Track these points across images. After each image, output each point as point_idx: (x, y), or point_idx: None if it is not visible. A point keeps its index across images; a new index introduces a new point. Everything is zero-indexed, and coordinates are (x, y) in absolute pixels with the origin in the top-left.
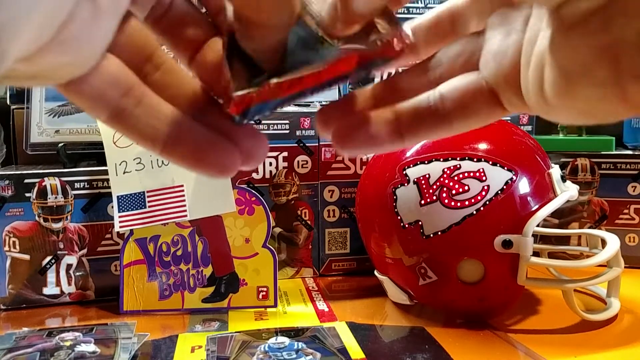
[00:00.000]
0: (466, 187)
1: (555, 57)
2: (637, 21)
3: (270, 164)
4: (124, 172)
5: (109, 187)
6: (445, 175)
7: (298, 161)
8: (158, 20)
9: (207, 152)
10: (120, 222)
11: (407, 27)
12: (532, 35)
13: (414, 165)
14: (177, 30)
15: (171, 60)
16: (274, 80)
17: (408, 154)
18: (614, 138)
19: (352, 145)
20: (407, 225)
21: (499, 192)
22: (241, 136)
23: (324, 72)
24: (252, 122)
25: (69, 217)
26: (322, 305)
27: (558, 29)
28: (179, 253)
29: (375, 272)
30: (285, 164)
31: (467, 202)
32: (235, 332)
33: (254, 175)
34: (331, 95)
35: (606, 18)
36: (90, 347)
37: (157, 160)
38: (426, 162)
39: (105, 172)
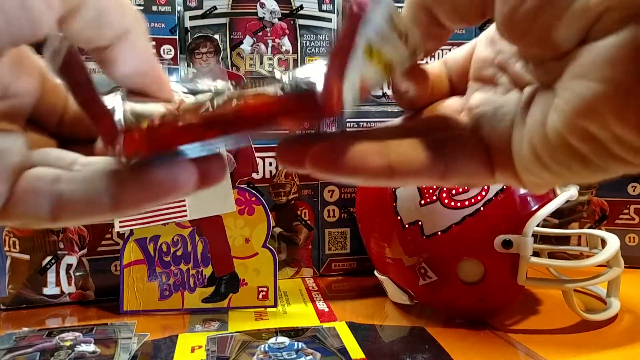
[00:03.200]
0: (466, 187)
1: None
2: None
3: (270, 164)
4: None
5: None
6: None
7: None
8: (58, 126)
9: (155, 174)
10: (120, 222)
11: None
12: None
13: None
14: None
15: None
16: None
17: None
18: None
19: (335, 169)
20: (407, 225)
21: (499, 192)
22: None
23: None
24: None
25: None
26: (322, 305)
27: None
28: (179, 253)
29: (375, 272)
30: None
31: (467, 202)
32: (235, 332)
33: (254, 175)
34: None
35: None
36: (90, 347)
37: None
38: None
39: None
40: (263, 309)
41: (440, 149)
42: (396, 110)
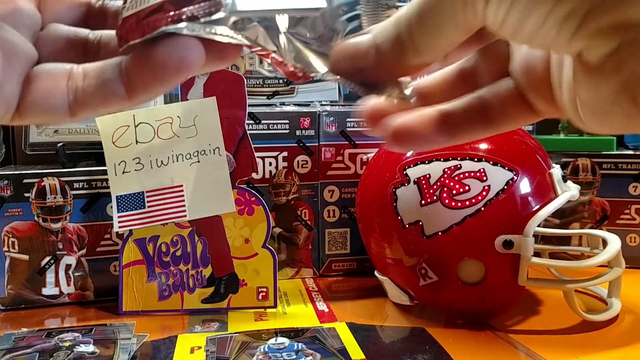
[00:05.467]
0: (467, 187)
1: (580, 93)
2: None
3: (270, 164)
4: (123, 172)
5: (108, 187)
6: (445, 175)
7: (298, 161)
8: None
9: (158, 54)
10: (119, 222)
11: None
12: (558, 57)
13: (414, 165)
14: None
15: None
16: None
17: (408, 153)
18: (615, 138)
19: (409, 145)
20: (407, 226)
21: (500, 192)
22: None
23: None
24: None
25: (68, 217)
26: (322, 306)
27: (579, 70)
28: (178, 253)
29: (376, 273)
30: (285, 164)
31: (467, 202)
32: (235, 333)
33: (254, 175)
34: (331, 95)
35: (618, 60)
36: (90, 348)
37: (157, 160)
38: (427, 162)
39: (104, 172)
40: (263, 310)
41: (488, 113)
42: None
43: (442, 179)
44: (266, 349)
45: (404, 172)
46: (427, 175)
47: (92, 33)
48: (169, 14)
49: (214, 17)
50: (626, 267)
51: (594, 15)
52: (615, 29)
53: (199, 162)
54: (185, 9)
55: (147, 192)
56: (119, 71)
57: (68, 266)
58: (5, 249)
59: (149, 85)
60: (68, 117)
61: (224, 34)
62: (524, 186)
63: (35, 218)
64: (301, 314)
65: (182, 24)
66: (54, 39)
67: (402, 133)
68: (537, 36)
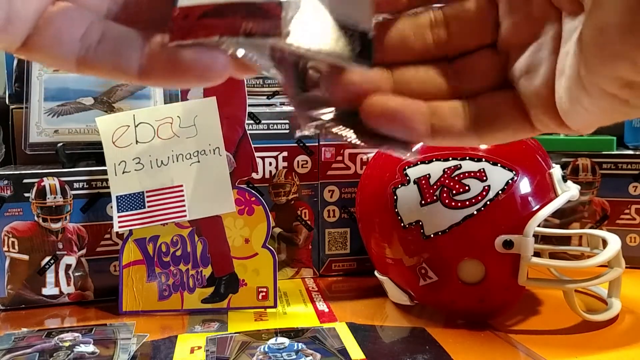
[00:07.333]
0: (467, 187)
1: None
2: None
3: (270, 164)
4: (123, 172)
5: (108, 187)
6: (445, 175)
7: (298, 161)
8: None
9: (186, 55)
10: (119, 222)
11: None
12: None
13: (414, 165)
14: None
15: None
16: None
17: None
18: (615, 138)
19: (387, 126)
20: (407, 226)
21: (500, 192)
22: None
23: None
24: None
25: (68, 217)
26: (322, 306)
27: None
28: (178, 253)
29: (376, 273)
30: (285, 164)
31: (467, 202)
32: (235, 333)
33: (254, 175)
34: None
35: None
36: (90, 348)
37: (157, 160)
38: (426, 162)
39: (105, 172)
40: (263, 310)
41: (480, 115)
42: None
43: (442, 179)
44: (266, 349)
45: (404, 172)
46: (427, 175)
47: None
48: (227, 21)
49: (269, 40)
50: (626, 267)
51: None
52: None
53: (199, 162)
54: (245, 23)
55: (147, 192)
56: (139, 52)
57: (68, 266)
58: (5, 249)
59: (165, 79)
60: (74, 70)
61: (264, 65)
62: (524, 186)
63: (35, 218)
64: (301, 314)
65: (235, 40)
66: None
67: (389, 114)
68: None
